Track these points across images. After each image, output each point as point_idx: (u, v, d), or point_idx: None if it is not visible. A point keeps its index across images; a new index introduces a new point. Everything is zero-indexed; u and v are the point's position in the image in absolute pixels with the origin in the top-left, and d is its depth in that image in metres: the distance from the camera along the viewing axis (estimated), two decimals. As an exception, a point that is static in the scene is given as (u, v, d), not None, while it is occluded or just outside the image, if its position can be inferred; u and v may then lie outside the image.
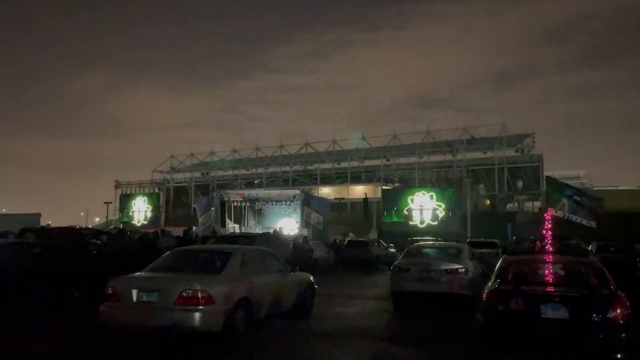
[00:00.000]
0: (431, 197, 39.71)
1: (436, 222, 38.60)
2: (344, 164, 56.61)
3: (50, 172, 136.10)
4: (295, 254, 18.53)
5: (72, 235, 14.61)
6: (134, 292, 7.26)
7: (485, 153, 50.47)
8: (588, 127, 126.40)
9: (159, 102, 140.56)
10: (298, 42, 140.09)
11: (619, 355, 6.37)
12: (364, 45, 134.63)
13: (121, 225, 41.64)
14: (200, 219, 43.75)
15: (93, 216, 72.35)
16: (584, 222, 21.47)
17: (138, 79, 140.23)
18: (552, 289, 7.26)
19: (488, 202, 48.96)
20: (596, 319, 6.36)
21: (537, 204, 47.93)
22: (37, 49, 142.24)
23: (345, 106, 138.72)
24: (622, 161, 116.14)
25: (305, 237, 20.58)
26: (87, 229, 25.10)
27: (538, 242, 12.85)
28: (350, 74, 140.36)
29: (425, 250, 13.22)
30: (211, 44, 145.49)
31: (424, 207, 39.70)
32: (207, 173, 64.27)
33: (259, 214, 45.55)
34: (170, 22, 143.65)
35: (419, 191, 40.58)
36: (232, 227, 43.26)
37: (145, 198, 55.41)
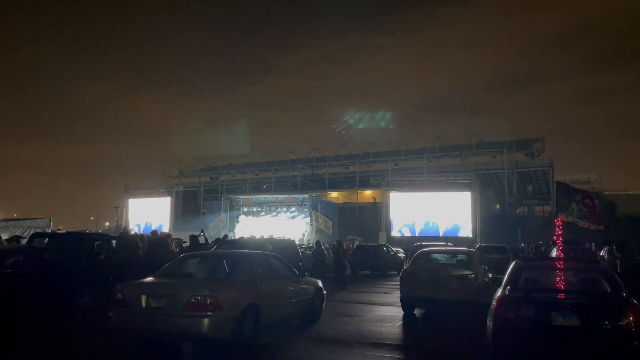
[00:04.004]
0: (442, 201, 39.60)
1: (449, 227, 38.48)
2: (352, 168, 56.63)
3: (61, 177, 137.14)
4: (312, 260, 18.53)
5: (82, 241, 14.65)
6: (143, 298, 7.28)
7: (494, 157, 50.29)
8: (599, 131, 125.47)
9: (169, 107, 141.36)
10: (310, 47, 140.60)
11: (631, 364, 6.27)
12: (375, 50, 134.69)
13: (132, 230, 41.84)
14: (210, 224, 43.93)
15: (103, 221, 72.83)
16: (593, 227, 21.22)
17: (149, 84, 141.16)
18: (563, 296, 7.17)
19: (497, 206, 48.71)
20: (608, 326, 6.26)
21: (548, 208, 47.64)
22: (48, 55, 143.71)
23: (355, 110, 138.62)
24: (633, 165, 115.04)
25: (318, 242, 20.54)
26: (97, 233, 25.23)
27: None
28: (361, 79, 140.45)
29: (434, 256, 13.12)
30: (223, 50, 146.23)
31: (435, 212, 39.59)
32: (216, 177, 64.53)
33: (267, 218, 45.70)
34: (180, 28, 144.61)
35: (429, 195, 40.46)
36: (241, 231, 43.43)
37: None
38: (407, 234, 39.21)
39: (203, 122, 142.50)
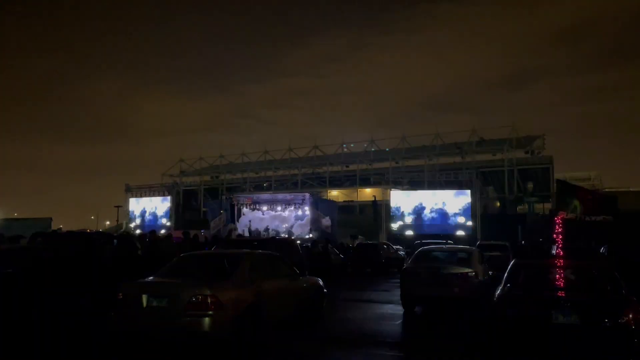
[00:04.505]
0: (442, 199, 39.60)
1: (449, 225, 38.46)
2: (352, 167, 56.61)
3: (61, 176, 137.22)
4: (312, 259, 18.51)
5: (83, 240, 14.64)
6: (144, 298, 7.27)
7: (494, 155, 50.25)
8: (599, 128, 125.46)
9: (170, 106, 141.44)
10: (311, 46, 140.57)
11: (631, 362, 6.28)
12: (376, 49, 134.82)
13: (134, 230, 41.90)
14: (211, 223, 43.91)
15: (104, 220, 72.95)
16: (600, 218, 20.92)
17: (150, 84, 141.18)
18: (562, 294, 7.20)
19: (498, 204, 48.70)
20: (608, 324, 6.27)
21: (548, 205, 47.63)
22: (49, 55, 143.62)
23: (356, 109, 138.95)
24: (633, 162, 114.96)
25: (315, 241, 20.57)
26: (98, 233, 25.23)
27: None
28: (361, 77, 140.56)
29: (435, 253, 13.14)
30: (224, 49, 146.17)
31: (436, 209, 39.57)
32: (216, 176, 64.53)
33: (268, 217, 45.65)
34: (183, 28, 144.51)
35: (430, 193, 40.44)
36: (242, 230, 43.41)
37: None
38: (408, 232, 39.19)
39: (204, 122, 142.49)
